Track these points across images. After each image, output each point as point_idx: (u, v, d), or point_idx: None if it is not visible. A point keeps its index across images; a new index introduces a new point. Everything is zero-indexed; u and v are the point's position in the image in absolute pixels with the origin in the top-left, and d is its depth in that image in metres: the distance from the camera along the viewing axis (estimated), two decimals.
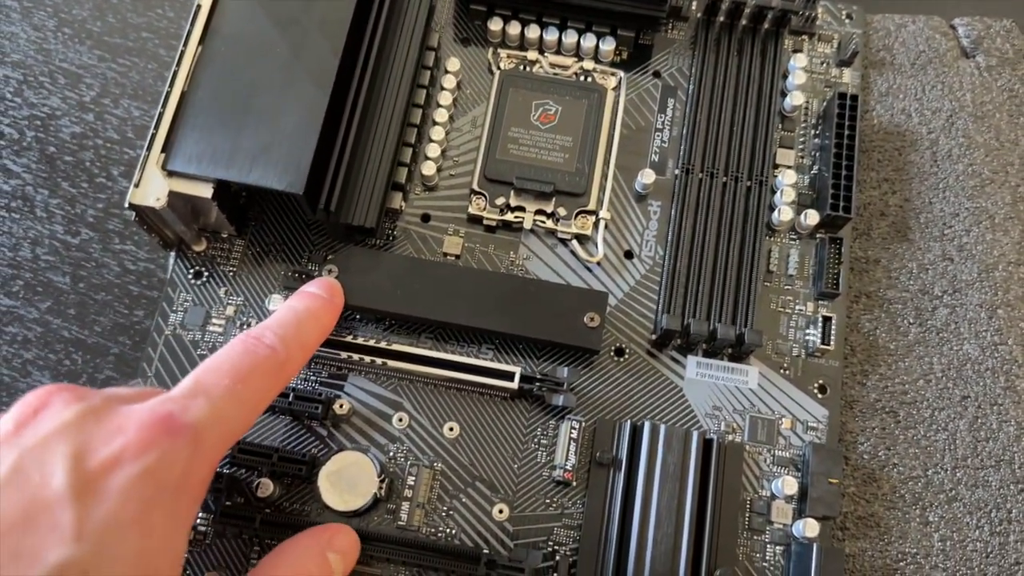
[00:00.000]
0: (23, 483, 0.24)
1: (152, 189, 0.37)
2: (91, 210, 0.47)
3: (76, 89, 0.49)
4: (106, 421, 0.26)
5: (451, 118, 0.44)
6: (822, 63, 0.47)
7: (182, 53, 0.39)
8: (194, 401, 0.28)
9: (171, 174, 0.38)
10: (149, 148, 0.38)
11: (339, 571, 0.33)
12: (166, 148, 0.38)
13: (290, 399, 0.38)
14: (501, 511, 0.38)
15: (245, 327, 0.41)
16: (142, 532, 0.25)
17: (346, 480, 0.38)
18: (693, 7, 0.47)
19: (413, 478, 0.39)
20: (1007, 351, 0.42)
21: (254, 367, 0.30)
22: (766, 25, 0.45)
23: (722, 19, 0.46)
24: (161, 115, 0.38)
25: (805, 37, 0.47)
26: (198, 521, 0.38)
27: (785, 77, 0.46)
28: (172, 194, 0.37)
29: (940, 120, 0.46)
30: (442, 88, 0.44)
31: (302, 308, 0.35)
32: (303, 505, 0.38)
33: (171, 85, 0.39)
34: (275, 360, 0.31)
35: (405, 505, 0.38)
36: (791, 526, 0.38)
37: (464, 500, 0.38)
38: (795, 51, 0.46)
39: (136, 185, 0.37)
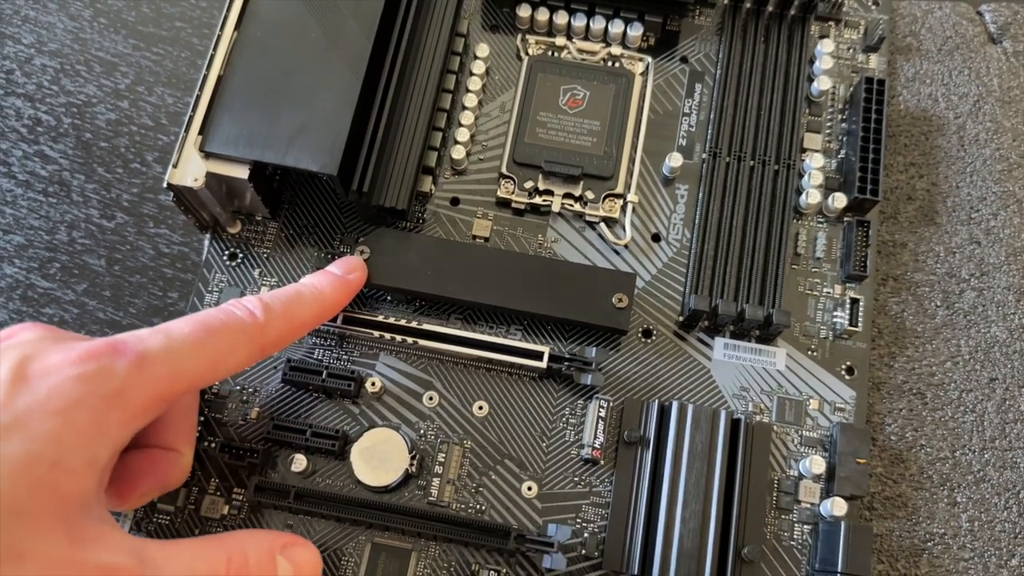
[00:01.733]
0: None
1: (190, 170, 0.38)
2: (126, 195, 0.47)
3: (111, 77, 0.50)
4: (62, 343, 0.29)
5: (480, 103, 0.45)
6: (849, 49, 0.47)
7: (218, 38, 0.40)
8: (152, 335, 0.30)
9: (208, 156, 0.38)
10: (187, 130, 0.39)
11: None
12: (203, 130, 0.39)
13: (323, 377, 0.39)
14: (530, 488, 0.39)
15: None
16: (63, 423, 0.26)
17: (378, 456, 0.38)
18: None
19: (443, 455, 0.39)
20: None
21: (225, 324, 0.32)
22: (793, 11, 0.46)
23: (749, 5, 0.46)
24: (198, 98, 0.39)
25: (832, 23, 0.47)
26: (234, 495, 0.38)
27: (812, 62, 0.46)
28: (209, 175, 0.38)
29: (967, 105, 0.47)
30: (471, 74, 0.45)
31: (307, 283, 0.37)
32: (336, 480, 0.39)
33: (208, 69, 0.40)
34: (250, 324, 0.32)
35: (436, 481, 0.39)
36: (819, 505, 0.39)
37: (493, 477, 0.39)
38: (822, 37, 0.47)
39: (174, 166, 0.38)
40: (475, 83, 0.45)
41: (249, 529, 0.34)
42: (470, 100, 0.44)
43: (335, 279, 0.38)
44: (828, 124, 0.45)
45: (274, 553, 0.32)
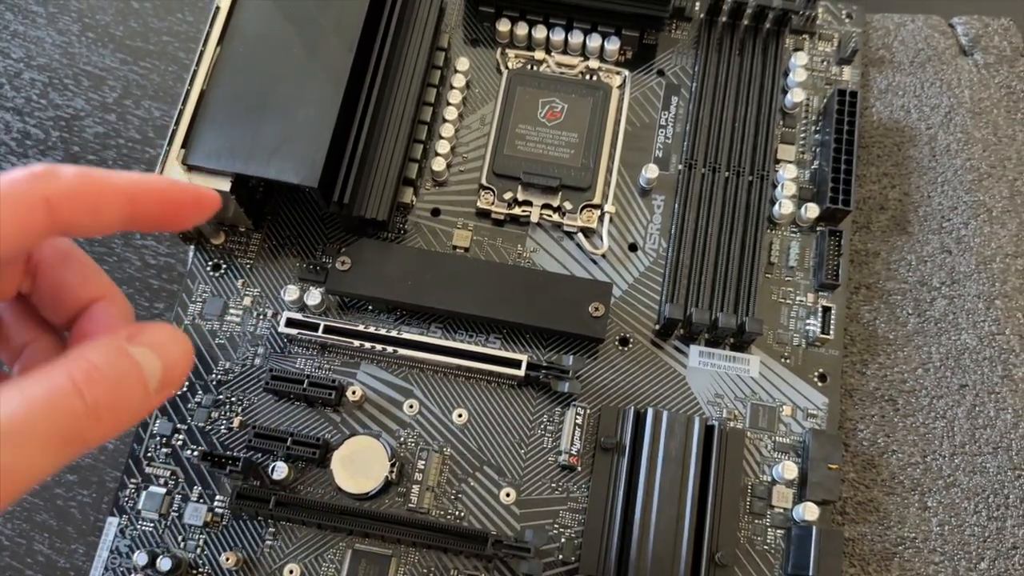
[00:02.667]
0: None
1: None
2: None
3: (99, 91, 0.51)
4: None
5: (460, 116, 0.46)
6: (823, 61, 0.48)
7: (201, 53, 0.41)
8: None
9: (191, 168, 0.39)
10: (170, 143, 0.40)
11: (152, 366, 0.25)
12: (186, 144, 0.39)
13: (305, 385, 0.39)
14: (508, 494, 0.39)
15: (262, 317, 0.42)
16: None
17: (358, 464, 0.39)
18: (696, 7, 0.48)
19: (423, 462, 0.40)
20: (1004, 340, 0.43)
21: None
22: (767, 24, 0.47)
23: (724, 19, 0.47)
24: (181, 112, 0.40)
25: (806, 36, 0.48)
26: (216, 503, 0.39)
27: (786, 75, 0.47)
28: None
29: (939, 116, 0.47)
30: (452, 87, 0.46)
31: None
32: (317, 488, 0.39)
33: (191, 83, 0.40)
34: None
35: (415, 488, 0.39)
36: (791, 510, 0.39)
37: (472, 484, 0.40)
38: (796, 50, 0.47)
39: None
40: (455, 96, 0.46)
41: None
42: (450, 113, 0.45)
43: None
44: (802, 135, 0.46)
45: (121, 347, 0.25)
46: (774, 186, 0.44)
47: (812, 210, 0.44)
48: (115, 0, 0.53)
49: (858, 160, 0.44)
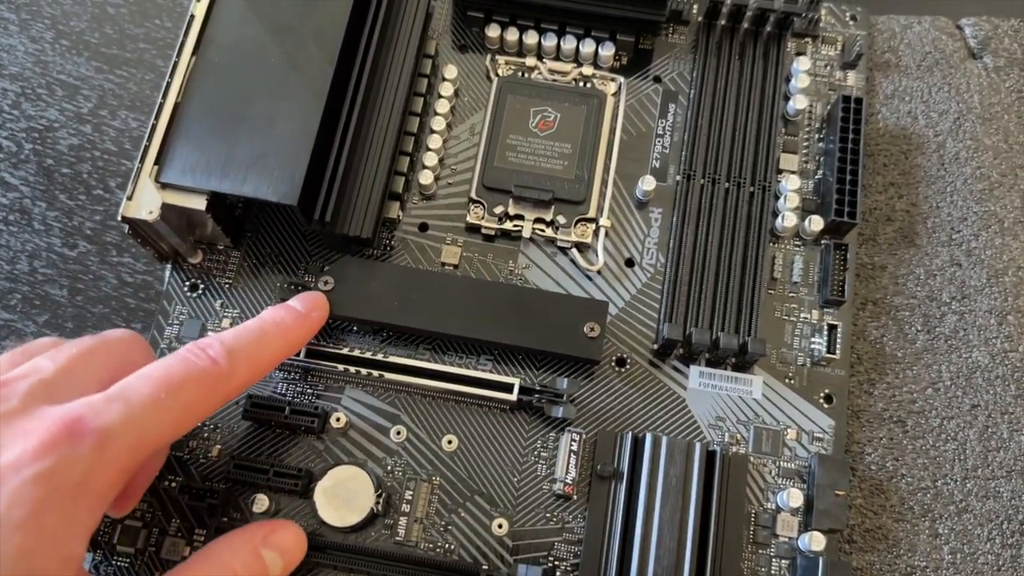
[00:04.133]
0: None
1: (145, 202, 0.37)
2: (88, 222, 0.46)
3: (74, 101, 0.49)
4: (17, 424, 0.27)
5: (449, 126, 0.44)
6: (826, 66, 0.46)
7: (175, 63, 0.39)
8: (110, 405, 0.27)
9: (164, 186, 0.37)
10: (142, 160, 0.38)
11: (276, 570, 0.32)
12: (159, 160, 0.37)
13: (286, 413, 0.38)
14: (500, 525, 0.38)
15: None
16: (29, 533, 0.25)
17: (343, 495, 0.37)
18: (694, 11, 0.46)
19: (411, 492, 0.38)
20: (1018, 358, 0.41)
21: (188, 378, 0.30)
22: (768, 28, 0.45)
23: (723, 23, 0.45)
24: (154, 126, 0.38)
25: (808, 40, 0.46)
26: (195, 536, 0.37)
27: (788, 80, 0.45)
28: (166, 206, 0.37)
29: (947, 123, 0.46)
30: (439, 96, 0.44)
31: (269, 320, 0.35)
32: (299, 520, 0.37)
33: (164, 96, 0.38)
34: (214, 372, 0.31)
35: (403, 520, 0.38)
36: (797, 539, 0.38)
37: (463, 514, 0.38)
38: (798, 54, 0.46)
39: (129, 198, 0.37)
40: (443, 105, 0.44)
41: (224, 535, 0.33)
42: (438, 123, 0.43)
43: (299, 316, 0.36)
44: (805, 144, 0.44)
45: (258, 550, 0.32)
46: (776, 197, 0.43)
47: (816, 223, 0.42)
48: (90, 6, 0.51)
49: (864, 169, 0.42)
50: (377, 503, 0.37)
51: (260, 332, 0.34)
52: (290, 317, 0.36)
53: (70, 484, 0.26)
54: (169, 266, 0.42)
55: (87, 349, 0.31)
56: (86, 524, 0.27)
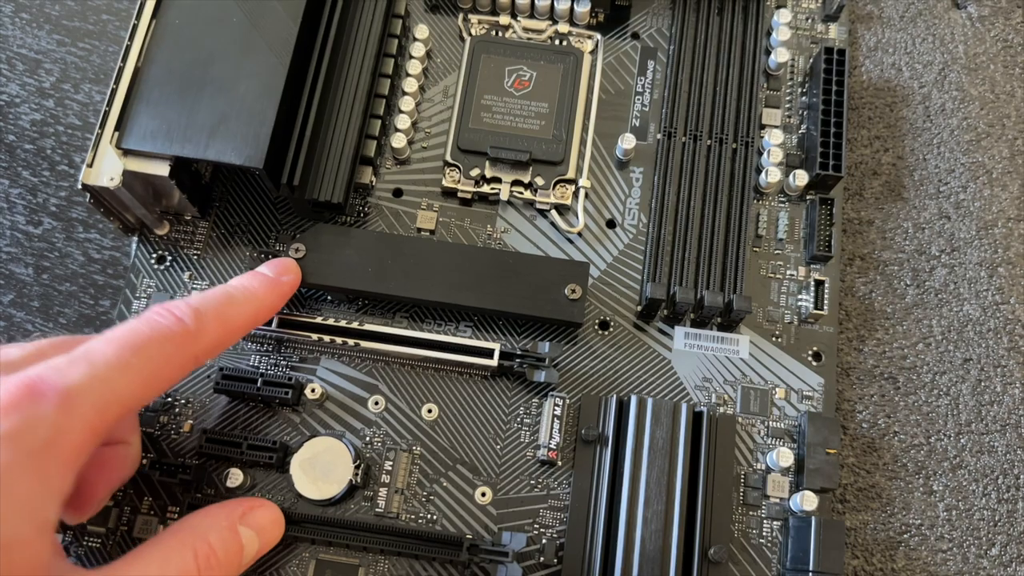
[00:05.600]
0: None
1: (106, 169, 0.36)
2: (53, 199, 0.45)
3: (35, 75, 0.47)
4: None
5: (421, 88, 0.43)
6: (807, 19, 0.45)
7: (135, 27, 0.37)
8: (73, 365, 0.26)
9: (126, 153, 0.36)
10: (102, 127, 0.36)
11: (252, 549, 0.32)
12: (120, 126, 0.36)
13: (259, 385, 0.36)
14: (484, 494, 0.37)
15: None
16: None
17: (320, 467, 0.36)
18: None
19: (391, 463, 0.37)
20: (1009, 310, 0.40)
21: (153, 337, 0.29)
22: None
23: None
24: (114, 92, 0.37)
25: None
26: (168, 514, 0.36)
27: (769, 34, 0.44)
28: (128, 173, 0.36)
29: (932, 74, 0.45)
30: (411, 57, 0.42)
31: (237, 285, 0.34)
32: (276, 495, 0.36)
33: (123, 60, 0.37)
34: (181, 332, 0.30)
35: (383, 491, 0.36)
36: (788, 500, 0.37)
37: (445, 484, 0.37)
38: (779, 7, 0.44)
39: (89, 165, 0.36)
40: (415, 67, 0.42)
41: (202, 509, 0.32)
42: (410, 85, 0.42)
43: (267, 280, 0.35)
44: (788, 98, 0.43)
45: (235, 527, 0.31)
46: (759, 153, 0.42)
47: (801, 177, 0.41)
48: None
49: (848, 124, 0.41)
50: (356, 474, 0.36)
51: (227, 294, 0.33)
52: (257, 280, 0.35)
53: (37, 444, 0.25)
54: (136, 239, 0.40)
55: (59, 340, 0.30)
56: (59, 487, 0.26)
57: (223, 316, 0.32)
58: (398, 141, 0.41)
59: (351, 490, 0.36)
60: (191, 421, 0.37)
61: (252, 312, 0.34)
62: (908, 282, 0.41)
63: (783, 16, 0.43)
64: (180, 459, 0.37)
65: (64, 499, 0.26)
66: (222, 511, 0.32)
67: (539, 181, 0.41)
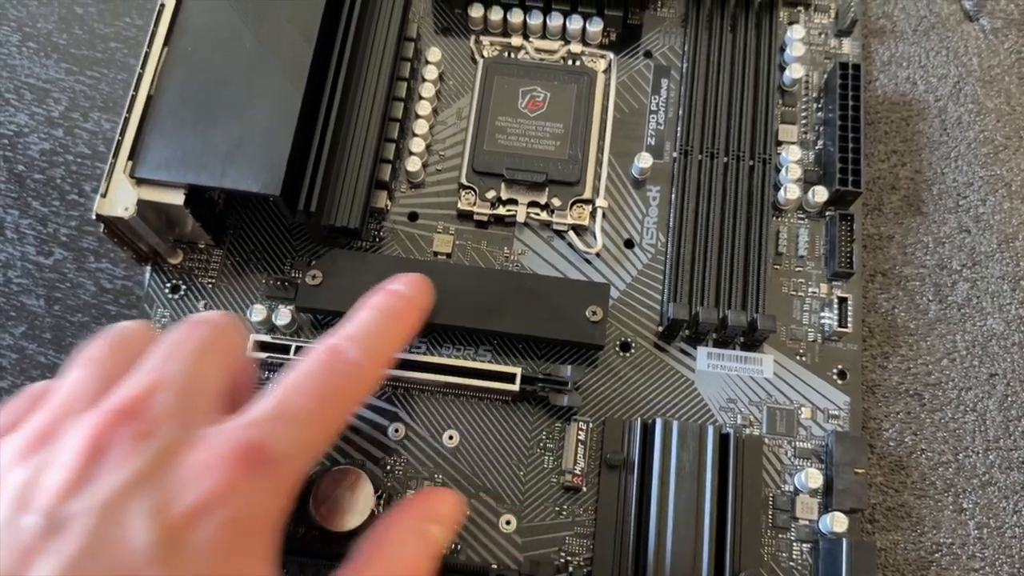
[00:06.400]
0: (104, 550, 0.21)
1: (120, 199, 0.35)
2: (64, 228, 0.44)
3: (44, 104, 0.47)
4: (185, 458, 0.23)
5: (435, 111, 0.42)
6: (820, 34, 0.44)
7: (146, 55, 0.37)
8: (279, 426, 0.24)
9: (140, 182, 0.35)
10: (115, 156, 0.36)
11: (444, 540, 0.30)
12: (133, 155, 0.36)
13: None
14: (508, 522, 0.36)
15: None
16: None
17: (341, 498, 0.35)
18: None
19: (412, 492, 0.36)
20: None
21: (339, 388, 0.27)
22: None
23: None
24: (127, 120, 0.36)
25: (801, 8, 0.45)
26: None
27: (783, 50, 0.43)
28: (142, 203, 0.35)
29: (947, 87, 0.44)
30: (424, 80, 0.42)
31: (386, 311, 0.31)
32: (295, 526, 0.36)
33: (136, 89, 0.37)
34: (358, 378, 0.28)
35: None
36: (817, 522, 0.36)
37: (468, 512, 0.36)
38: (791, 23, 0.44)
39: (103, 195, 0.35)
40: (428, 89, 0.42)
41: (385, 524, 0.29)
42: (424, 108, 0.42)
43: (410, 303, 0.33)
44: (803, 114, 0.43)
45: (424, 530, 0.29)
46: (777, 170, 0.41)
47: (820, 193, 0.40)
48: (57, 7, 0.49)
49: (864, 138, 0.41)
50: (378, 505, 0.35)
51: (380, 325, 0.31)
52: (402, 304, 0.32)
53: (258, 522, 0.23)
54: (149, 268, 0.40)
55: (201, 343, 0.26)
56: (275, 556, 0.24)
57: (385, 352, 0.30)
58: (413, 165, 0.41)
59: (373, 520, 0.35)
60: None
61: (405, 341, 0.32)
62: (930, 297, 0.41)
63: (796, 32, 0.43)
64: None
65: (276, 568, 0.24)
66: (405, 522, 0.30)
67: (556, 202, 0.40)
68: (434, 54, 0.42)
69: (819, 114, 0.43)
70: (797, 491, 0.37)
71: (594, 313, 0.37)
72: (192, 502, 0.21)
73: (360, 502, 0.35)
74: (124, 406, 0.23)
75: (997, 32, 0.46)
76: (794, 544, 0.36)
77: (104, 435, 0.22)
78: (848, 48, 0.44)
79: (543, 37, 0.44)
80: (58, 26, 0.49)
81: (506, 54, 0.43)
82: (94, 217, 0.35)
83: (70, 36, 0.49)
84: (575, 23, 0.43)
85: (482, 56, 0.43)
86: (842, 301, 0.39)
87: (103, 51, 0.48)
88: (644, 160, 0.41)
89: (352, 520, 0.35)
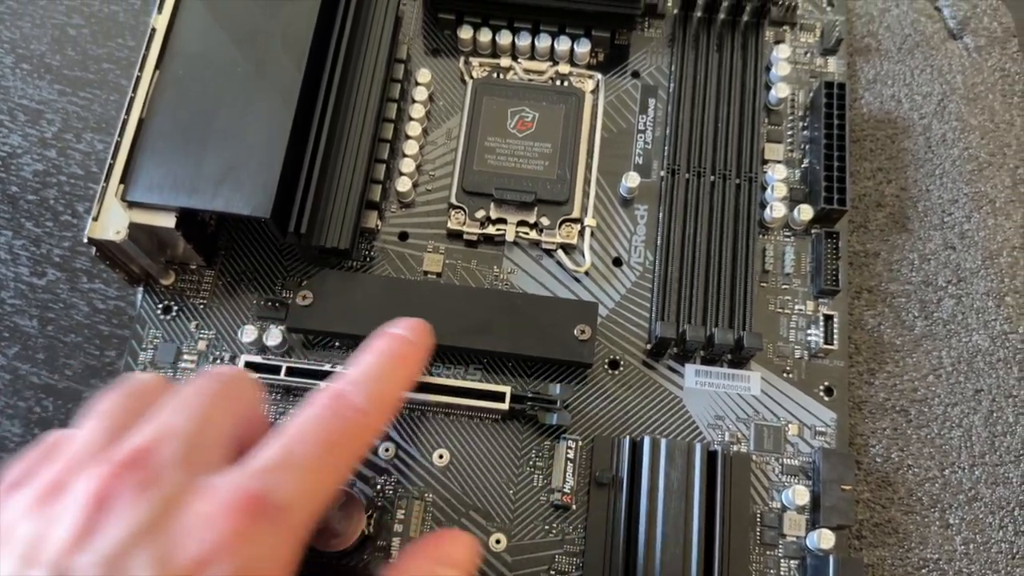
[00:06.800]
0: None
1: (112, 222, 0.35)
2: (57, 249, 0.45)
3: (37, 125, 0.47)
4: (189, 507, 0.22)
5: (425, 131, 0.43)
6: (806, 53, 0.45)
7: (138, 78, 0.38)
8: (283, 475, 0.24)
9: (131, 205, 0.36)
10: (107, 179, 0.36)
11: None
12: (125, 178, 0.36)
13: None
14: (498, 541, 0.36)
15: (218, 361, 0.39)
16: None
17: (331, 518, 0.35)
18: (669, 3, 0.45)
19: (403, 511, 0.36)
20: (1019, 339, 0.40)
21: (344, 434, 0.26)
22: (745, 17, 0.44)
23: (699, 14, 0.44)
24: (118, 144, 0.37)
25: (786, 27, 0.45)
26: None
27: (768, 70, 0.44)
28: (133, 226, 0.36)
29: (931, 104, 0.45)
30: (414, 101, 0.43)
31: (390, 356, 0.30)
32: None
33: (128, 112, 0.37)
34: (364, 424, 0.27)
35: (396, 541, 0.36)
36: (805, 538, 0.36)
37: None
38: (777, 42, 0.45)
39: (95, 219, 0.36)
40: (418, 110, 0.42)
41: (398, 566, 0.29)
42: (413, 129, 0.42)
43: (413, 347, 0.31)
44: (789, 133, 0.43)
45: (435, 572, 0.28)
46: (763, 188, 0.42)
47: (806, 211, 0.41)
48: (50, 28, 0.49)
49: (850, 156, 0.41)
50: (368, 525, 0.35)
51: (384, 371, 0.30)
52: (406, 348, 0.31)
53: (263, 573, 0.23)
54: (141, 289, 0.40)
55: (212, 395, 0.26)
56: None
57: (391, 398, 0.29)
58: (403, 185, 0.41)
59: (363, 541, 0.36)
60: None
61: (409, 386, 0.31)
62: (916, 314, 0.41)
63: (782, 51, 0.44)
64: None
65: None
66: (419, 563, 0.29)
67: (544, 221, 0.41)
68: (424, 75, 0.43)
69: (805, 132, 0.43)
70: (785, 508, 0.37)
71: (582, 332, 0.38)
72: (194, 555, 0.21)
73: (351, 523, 0.35)
74: (129, 457, 0.23)
75: (981, 50, 0.46)
76: (782, 561, 0.36)
77: (109, 486, 0.22)
78: (833, 67, 0.45)
79: (532, 58, 0.44)
80: (51, 47, 0.49)
81: (495, 75, 0.44)
82: (86, 240, 0.35)
83: (63, 57, 0.49)
84: (563, 44, 0.43)
85: (471, 77, 0.44)
86: (828, 318, 0.40)
87: (96, 72, 0.49)
88: (632, 179, 0.41)
89: (343, 541, 0.35)
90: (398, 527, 0.36)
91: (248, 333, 0.38)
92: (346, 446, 0.26)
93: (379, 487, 0.37)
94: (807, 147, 0.43)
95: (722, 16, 0.44)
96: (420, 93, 0.43)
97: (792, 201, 0.42)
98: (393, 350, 0.31)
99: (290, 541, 0.23)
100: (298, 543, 0.24)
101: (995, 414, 0.39)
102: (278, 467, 0.24)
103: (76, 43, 0.49)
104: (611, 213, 0.42)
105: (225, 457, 0.25)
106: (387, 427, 0.31)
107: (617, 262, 0.41)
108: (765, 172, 0.42)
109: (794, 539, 0.36)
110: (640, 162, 0.43)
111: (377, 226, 0.41)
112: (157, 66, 0.38)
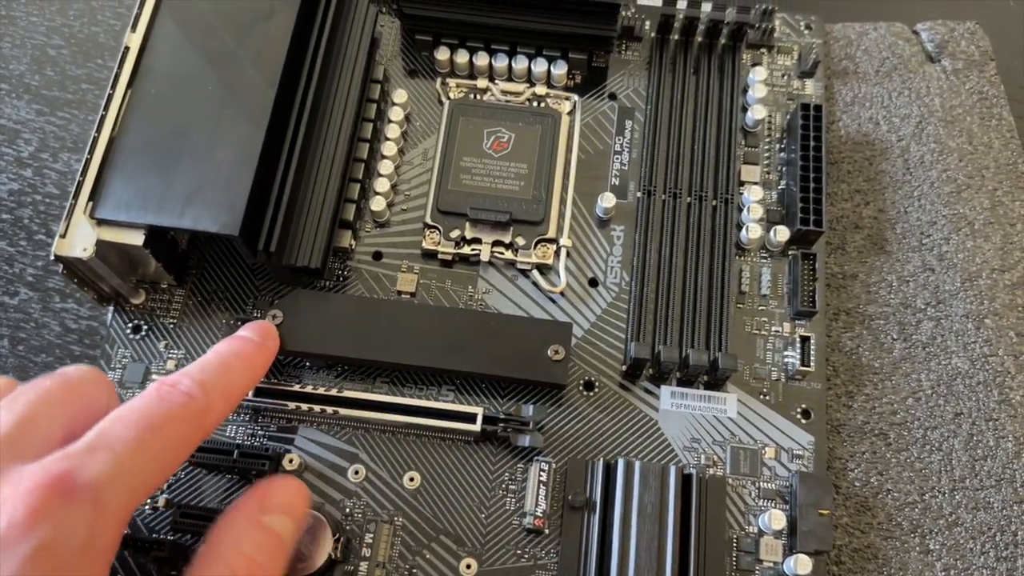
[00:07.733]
0: None
1: (79, 239, 0.35)
2: (30, 268, 0.44)
3: (14, 145, 0.47)
4: None
5: (400, 151, 0.43)
6: (783, 75, 0.45)
7: (110, 97, 0.37)
8: (95, 455, 0.24)
9: (100, 222, 0.35)
10: (76, 196, 0.36)
11: (288, 531, 0.30)
12: (94, 195, 0.36)
13: (235, 456, 0.35)
14: (469, 566, 0.35)
15: None
16: None
17: (299, 542, 0.35)
18: (646, 26, 0.45)
19: (371, 535, 0.36)
20: (998, 362, 0.40)
21: (167, 416, 0.27)
22: (722, 40, 0.44)
23: (676, 37, 0.44)
24: (88, 162, 0.36)
25: (764, 50, 0.45)
26: None
27: (745, 92, 0.44)
28: (101, 243, 0.35)
29: (910, 127, 0.45)
30: (390, 121, 0.42)
31: (228, 352, 0.32)
32: None
33: (99, 130, 0.37)
34: (192, 408, 0.28)
35: (363, 565, 0.35)
36: (782, 564, 0.36)
37: (428, 556, 0.36)
38: (754, 65, 0.45)
39: (62, 236, 0.35)
40: (394, 131, 0.42)
41: (221, 520, 0.29)
42: (389, 148, 0.42)
43: (255, 346, 0.34)
44: (766, 155, 0.43)
45: (261, 522, 0.29)
46: (740, 210, 0.41)
47: (782, 233, 0.40)
48: (30, 48, 0.49)
49: (828, 178, 0.41)
50: (335, 549, 0.35)
51: (225, 363, 0.31)
52: (247, 346, 0.33)
53: (73, 551, 0.23)
54: (111, 308, 0.40)
55: (46, 392, 0.27)
56: None
57: (226, 387, 0.30)
58: (377, 204, 0.41)
59: (331, 565, 0.35)
60: (166, 495, 0.36)
61: (249, 379, 0.33)
62: (895, 336, 0.41)
63: (759, 73, 0.44)
64: (154, 535, 0.35)
65: None
66: (242, 513, 0.29)
67: (520, 241, 0.40)
68: (400, 95, 0.43)
69: (782, 154, 0.43)
70: (761, 532, 0.36)
71: (556, 352, 0.37)
72: None
73: (318, 546, 0.35)
74: None
75: (959, 73, 0.46)
76: None
77: None
78: (811, 89, 0.45)
79: (509, 79, 0.44)
80: (30, 67, 0.49)
81: (472, 96, 0.44)
82: (52, 258, 0.35)
83: (42, 77, 0.49)
84: (540, 66, 0.43)
85: (448, 97, 0.44)
86: (805, 340, 0.39)
87: (74, 92, 0.49)
88: (608, 200, 0.41)
89: (309, 566, 0.34)
90: (366, 551, 0.35)
91: None
92: (168, 430, 0.27)
93: (348, 510, 0.36)
94: (784, 169, 0.43)
95: (699, 39, 0.44)
96: (396, 113, 0.43)
97: (769, 222, 0.41)
98: (233, 348, 0.33)
99: (103, 520, 0.24)
100: (114, 525, 0.24)
101: (975, 437, 0.39)
102: (89, 449, 0.25)
103: (56, 63, 0.49)
104: (587, 233, 0.41)
105: (50, 451, 0.25)
106: (225, 417, 0.31)
107: (593, 283, 0.41)
108: (742, 193, 0.42)
109: (771, 565, 0.36)
110: (616, 183, 0.42)
111: (351, 245, 0.41)
112: (129, 84, 0.38)
